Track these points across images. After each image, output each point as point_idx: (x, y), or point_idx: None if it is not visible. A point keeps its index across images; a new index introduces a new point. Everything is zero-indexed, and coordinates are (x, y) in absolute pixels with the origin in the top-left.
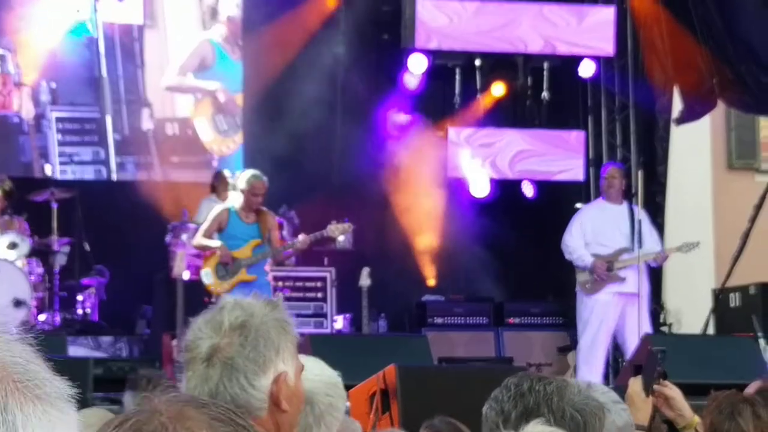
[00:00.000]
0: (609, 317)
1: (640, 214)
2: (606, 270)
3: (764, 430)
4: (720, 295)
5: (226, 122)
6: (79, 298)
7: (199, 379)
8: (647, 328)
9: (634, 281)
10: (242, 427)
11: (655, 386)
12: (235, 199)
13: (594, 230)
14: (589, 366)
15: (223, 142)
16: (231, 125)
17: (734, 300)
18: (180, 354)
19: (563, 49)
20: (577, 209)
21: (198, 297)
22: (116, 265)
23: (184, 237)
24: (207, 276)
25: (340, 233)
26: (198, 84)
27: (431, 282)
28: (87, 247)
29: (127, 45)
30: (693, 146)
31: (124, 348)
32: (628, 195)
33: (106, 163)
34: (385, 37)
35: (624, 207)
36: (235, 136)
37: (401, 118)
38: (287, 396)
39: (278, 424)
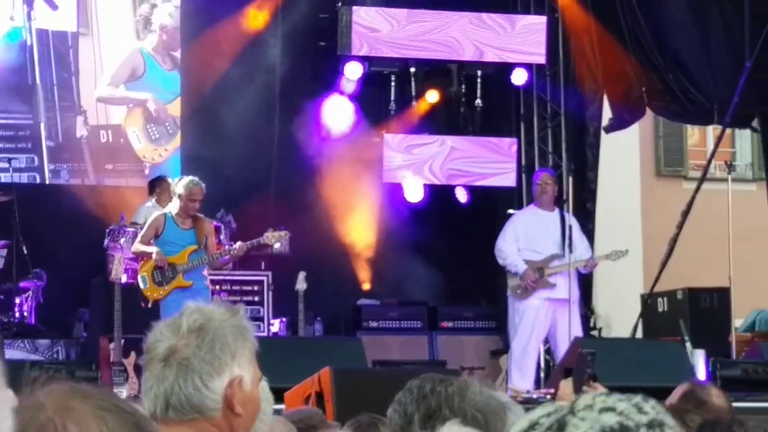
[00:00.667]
0: (540, 322)
1: (571, 220)
2: (536, 277)
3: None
4: (648, 300)
5: (158, 131)
6: (17, 301)
7: (155, 379)
8: (579, 332)
9: (565, 287)
10: (128, 413)
11: (585, 388)
12: (173, 206)
13: (527, 236)
14: (521, 370)
15: (155, 151)
16: (163, 134)
17: (662, 305)
18: (116, 356)
19: (496, 57)
20: (509, 215)
21: (135, 301)
22: (54, 268)
23: (122, 241)
24: (143, 281)
25: (277, 240)
26: (129, 95)
27: (366, 286)
28: (24, 250)
29: (61, 52)
30: (622, 154)
31: (61, 351)
32: (559, 201)
33: (40, 170)
34: (322, 44)
35: (555, 213)
36: (167, 145)
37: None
38: (242, 400)
39: (232, 427)
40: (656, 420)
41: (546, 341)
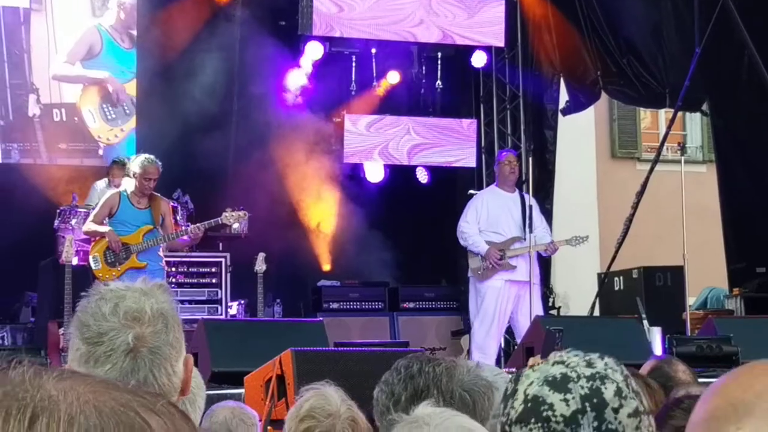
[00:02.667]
0: (502, 304)
1: (531, 201)
2: (500, 256)
3: (656, 401)
4: (605, 279)
5: (114, 111)
6: None
7: (122, 372)
8: (540, 312)
9: (525, 269)
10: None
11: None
12: (128, 184)
13: (488, 217)
14: (483, 352)
15: (111, 131)
16: (119, 114)
17: (618, 283)
18: (66, 342)
19: (456, 40)
20: (470, 195)
21: (87, 284)
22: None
23: (73, 222)
24: (95, 261)
25: (235, 220)
26: (86, 73)
27: (326, 267)
28: None
29: (11, 28)
30: (578, 136)
31: (7, 337)
32: (518, 182)
33: None
34: (282, 24)
35: (516, 194)
36: (123, 125)
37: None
38: (189, 380)
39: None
40: (600, 373)
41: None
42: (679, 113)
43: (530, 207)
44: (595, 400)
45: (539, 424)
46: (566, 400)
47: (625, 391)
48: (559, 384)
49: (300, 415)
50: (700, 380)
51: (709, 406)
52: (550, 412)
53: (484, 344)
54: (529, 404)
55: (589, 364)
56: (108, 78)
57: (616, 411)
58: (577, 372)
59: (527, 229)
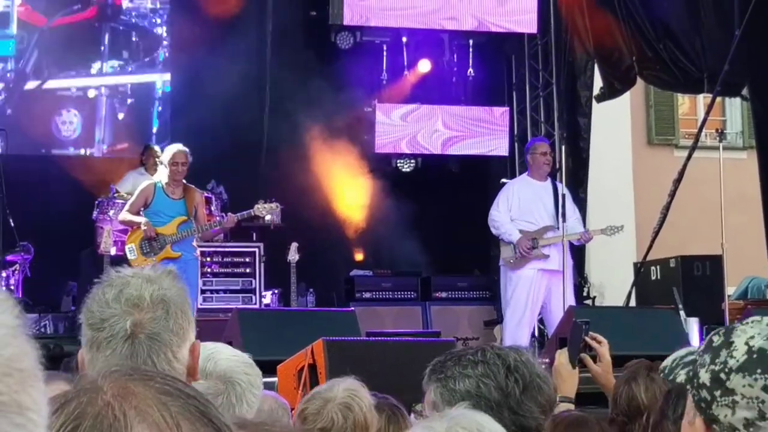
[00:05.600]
0: (534, 293)
1: (564, 190)
2: (531, 245)
3: (656, 393)
4: (641, 269)
5: None
6: (3, 274)
7: (122, 357)
8: (572, 302)
9: (558, 258)
10: (193, 398)
11: (588, 338)
12: (161, 175)
13: (519, 206)
14: (514, 341)
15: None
16: None
17: (655, 273)
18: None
19: (488, 27)
20: (502, 184)
21: None
22: (41, 241)
23: (111, 213)
24: (131, 252)
25: (267, 212)
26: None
27: (359, 257)
28: (11, 222)
29: None
30: (614, 123)
31: (49, 325)
32: (552, 171)
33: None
34: (313, 14)
35: (548, 183)
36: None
37: None
38: (195, 365)
39: None
40: None
41: (540, 311)
42: (718, 98)
43: (563, 196)
44: None
45: (766, 375)
46: None
47: None
48: None
49: (304, 399)
50: None
51: None
52: None
53: (516, 333)
54: (755, 356)
55: None
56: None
57: None
58: None
59: (560, 218)
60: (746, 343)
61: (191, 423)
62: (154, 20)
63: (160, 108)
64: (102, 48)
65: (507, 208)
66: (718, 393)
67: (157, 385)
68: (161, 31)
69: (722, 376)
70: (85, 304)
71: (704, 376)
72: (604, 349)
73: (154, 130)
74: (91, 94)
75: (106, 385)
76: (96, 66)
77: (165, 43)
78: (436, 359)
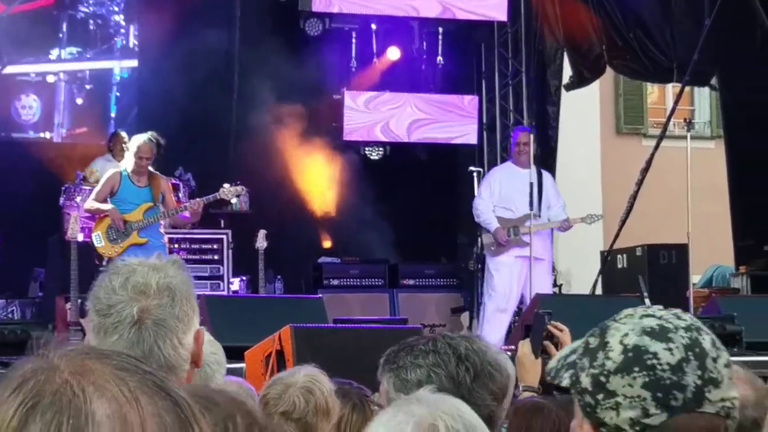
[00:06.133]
0: (515, 280)
1: (546, 179)
2: (507, 236)
3: None
4: (608, 257)
5: None
6: None
7: (129, 342)
8: (548, 290)
9: (538, 246)
10: (150, 373)
11: (549, 326)
12: (127, 163)
13: (501, 193)
14: (492, 326)
15: None
16: None
17: (621, 261)
18: (73, 316)
19: (458, 15)
20: (470, 172)
21: (92, 260)
22: (8, 227)
23: (78, 199)
24: (98, 239)
25: (234, 195)
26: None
27: (327, 244)
28: None
29: None
30: (582, 111)
31: (16, 311)
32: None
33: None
34: (281, 0)
35: (530, 171)
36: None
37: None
38: (200, 353)
39: (189, 380)
40: (694, 325)
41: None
42: (687, 88)
43: (531, 184)
44: (696, 350)
45: (644, 372)
46: (670, 349)
47: (718, 342)
48: (659, 334)
49: (266, 385)
50: None
51: None
52: (654, 361)
53: (493, 319)
54: (630, 354)
55: (678, 317)
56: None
57: (714, 360)
58: (673, 323)
59: (538, 207)
60: (621, 342)
61: (149, 397)
62: (111, 8)
63: (118, 94)
64: (60, 35)
65: (489, 194)
66: (600, 396)
67: (114, 362)
68: (119, 18)
69: (602, 379)
70: (92, 291)
71: (585, 381)
72: (566, 336)
73: (113, 115)
74: (50, 79)
75: (63, 364)
76: (55, 52)
77: (122, 30)
78: (390, 349)
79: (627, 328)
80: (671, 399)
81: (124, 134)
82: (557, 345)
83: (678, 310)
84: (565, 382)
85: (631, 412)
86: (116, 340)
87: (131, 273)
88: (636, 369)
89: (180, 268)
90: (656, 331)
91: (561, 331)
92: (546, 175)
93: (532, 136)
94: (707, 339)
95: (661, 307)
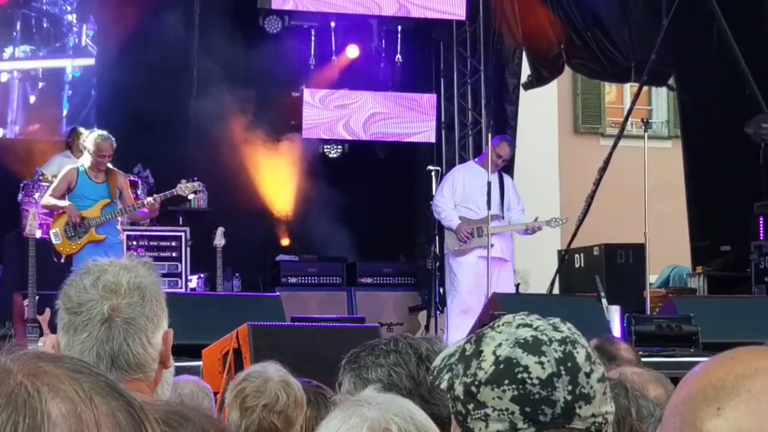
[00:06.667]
0: (476, 280)
1: (507, 181)
2: (469, 233)
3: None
4: (565, 256)
5: None
6: None
7: (98, 340)
8: (510, 290)
9: (499, 247)
10: (102, 375)
11: None
12: (84, 159)
13: (463, 193)
14: (458, 329)
15: None
16: None
17: (579, 261)
18: (31, 313)
19: (417, 13)
20: (429, 171)
21: (50, 256)
22: None
23: (36, 195)
24: (55, 236)
25: (191, 191)
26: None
27: (285, 242)
28: None
29: None
30: (540, 111)
31: None
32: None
33: None
34: None
35: (494, 174)
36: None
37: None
38: (168, 353)
39: (157, 381)
40: (570, 338)
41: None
42: (645, 88)
43: (489, 184)
44: (569, 364)
45: (514, 386)
46: (541, 363)
47: (593, 356)
48: (532, 346)
49: (236, 381)
50: (658, 360)
51: (690, 388)
52: (525, 374)
53: (459, 321)
54: (502, 365)
55: (556, 328)
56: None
57: (588, 375)
58: (548, 335)
59: (500, 208)
60: (494, 353)
61: (103, 397)
62: (64, 7)
63: (70, 92)
64: (14, 33)
65: (451, 193)
66: (471, 406)
67: (67, 365)
68: (72, 18)
69: (473, 389)
70: (62, 290)
71: (458, 388)
72: None
73: (65, 113)
74: (4, 77)
75: (16, 367)
76: (8, 51)
77: (75, 29)
78: (352, 351)
79: (502, 337)
80: (540, 414)
81: (82, 130)
82: None
83: (557, 320)
84: (444, 384)
85: (500, 424)
86: (86, 338)
87: (102, 272)
88: (506, 382)
89: (150, 269)
90: (529, 344)
91: None
92: (506, 177)
93: (509, 149)
94: (582, 353)
95: (538, 316)
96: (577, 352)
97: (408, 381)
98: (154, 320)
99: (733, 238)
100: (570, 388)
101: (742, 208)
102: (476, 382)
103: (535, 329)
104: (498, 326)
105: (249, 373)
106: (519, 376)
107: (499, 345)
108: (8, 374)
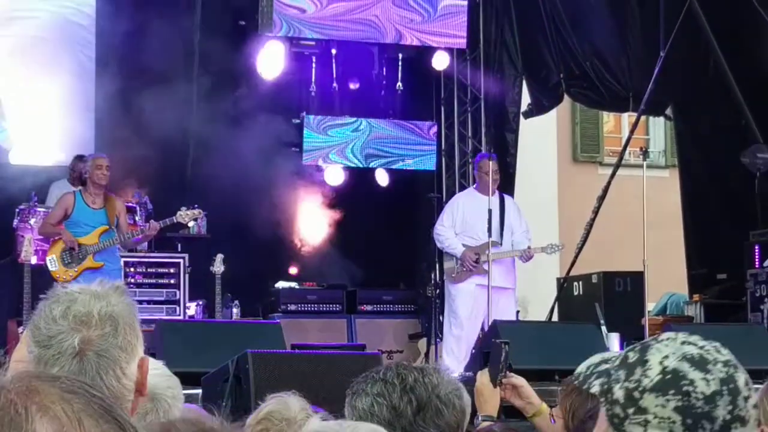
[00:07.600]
0: (474, 307)
1: (509, 203)
2: (476, 260)
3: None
4: (564, 284)
5: None
6: None
7: (70, 374)
8: (511, 318)
9: (499, 274)
10: (98, 397)
11: (503, 378)
12: (82, 185)
13: (464, 221)
14: (453, 356)
15: None
16: None
17: (577, 288)
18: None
19: (417, 41)
20: (429, 198)
21: (45, 283)
22: None
23: (32, 221)
24: (52, 263)
25: (191, 219)
26: None
27: (285, 269)
28: None
29: None
30: (540, 139)
31: None
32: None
33: None
34: (242, 23)
35: (495, 198)
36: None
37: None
38: (144, 381)
39: (134, 409)
40: (731, 362)
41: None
42: (643, 117)
43: (490, 211)
44: (731, 386)
45: (678, 396)
46: (707, 380)
47: (750, 383)
48: (699, 363)
49: (257, 418)
50: None
51: None
52: (690, 388)
53: (456, 349)
54: (668, 376)
55: (718, 351)
56: None
57: (746, 399)
58: (713, 356)
59: (499, 234)
60: (660, 363)
61: (93, 419)
62: None
63: None
64: None
65: (451, 222)
66: (631, 411)
67: (62, 385)
68: None
69: (636, 394)
70: (32, 321)
71: (618, 393)
72: (525, 390)
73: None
74: None
75: (11, 385)
76: None
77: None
78: (356, 378)
79: (668, 350)
80: (699, 428)
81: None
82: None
83: (718, 344)
84: (595, 389)
85: (659, 431)
86: (57, 372)
87: (72, 302)
88: (671, 392)
89: (122, 294)
90: (696, 360)
91: (519, 386)
92: (508, 199)
93: (491, 163)
94: (742, 378)
95: (700, 337)
96: (738, 376)
97: (388, 412)
98: (128, 350)
99: (730, 266)
100: (730, 408)
101: (738, 236)
102: (640, 388)
103: (701, 348)
104: (662, 341)
105: (271, 411)
106: (684, 388)
107: (666, 357)
108: (1, 392)
